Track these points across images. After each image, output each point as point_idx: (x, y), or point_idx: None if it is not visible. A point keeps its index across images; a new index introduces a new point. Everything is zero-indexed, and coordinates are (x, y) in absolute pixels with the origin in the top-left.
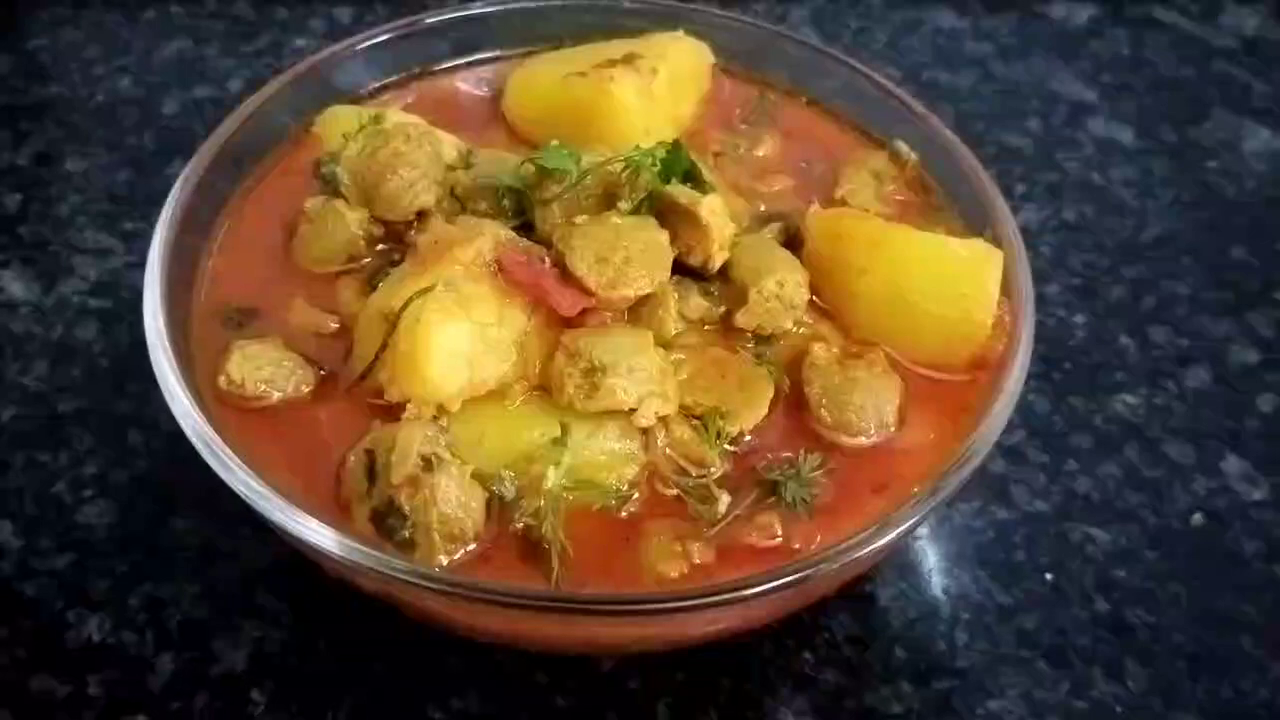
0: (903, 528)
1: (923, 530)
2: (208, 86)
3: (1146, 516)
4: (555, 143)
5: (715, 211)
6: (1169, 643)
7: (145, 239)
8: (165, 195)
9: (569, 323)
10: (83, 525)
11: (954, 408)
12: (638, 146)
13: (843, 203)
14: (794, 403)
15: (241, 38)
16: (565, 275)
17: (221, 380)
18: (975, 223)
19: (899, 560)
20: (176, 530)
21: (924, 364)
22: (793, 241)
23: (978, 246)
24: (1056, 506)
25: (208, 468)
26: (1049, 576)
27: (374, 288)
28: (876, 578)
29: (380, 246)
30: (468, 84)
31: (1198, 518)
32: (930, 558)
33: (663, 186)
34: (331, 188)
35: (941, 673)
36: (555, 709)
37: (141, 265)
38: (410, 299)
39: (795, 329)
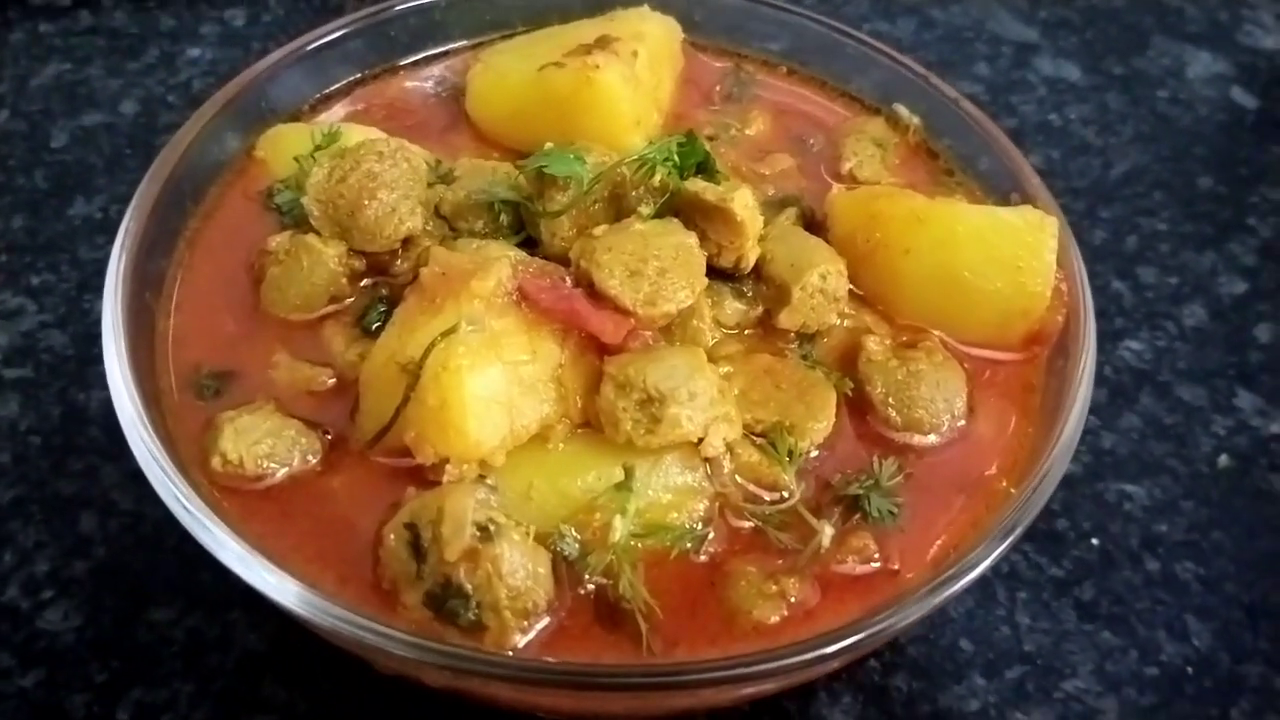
0: (1018, 532)
1: None
2: (98, 112)
3: (1175, 466)
4: (550, 145)
5: (748, 205)
6: (1223, 593)
7: (57, 293)
8: (70, 239)
9: (607, 349)
10: (46, 632)
11: (1018, 389)
12: (651, 143)
13: (850, 177)
14: (853, 405)
15: (126, 54)
16: (594, 295)
17: (215, 461)
18: (994, 185)
19: None
20: (156, 623)
21: (978, 345)
22: (811, 225)
23: (1030, 215)
24: (1088, 467)
25: (179, 548)
26: (1095, 541)
27: (365, 330)
28: None
29: (365, 282)
30: (418, 85)
31: (1224, 460)
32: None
33: (683, 184)
34: (292, 219)
35: (1011, 660)
36: None
37: (58, 324)
38: (432, 344)
39: (840, 322)
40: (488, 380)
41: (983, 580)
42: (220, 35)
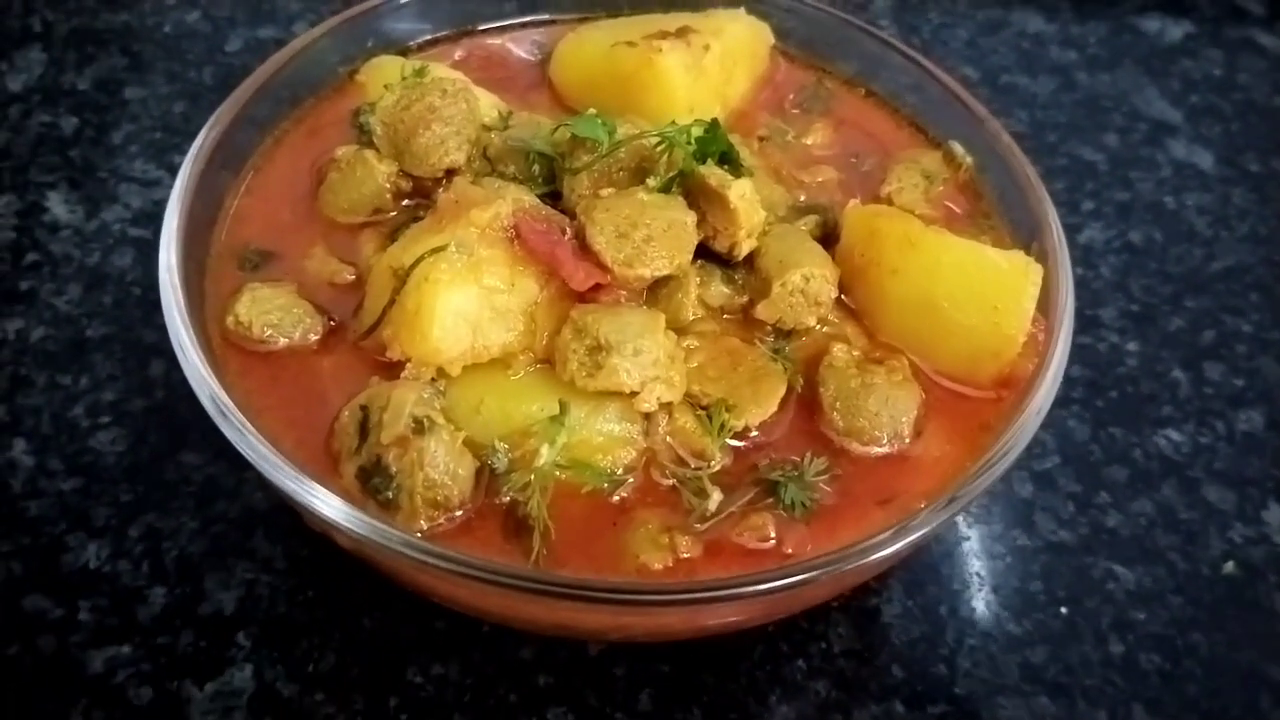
0: (900, 545)
1: (936, 547)
2: (273, 27)
3: (1176, 559)
4: (591, 111)
5: (745, 197)
6: (1183, 694)
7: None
8: None
9: (582, 298)
10: (94, 450)
11: (974, 425)
12: (673, 122)
13: (888, 201)
14: (807, 403)
15: None
16: (584, 248)
17: (229, 320)
18: (1024, 235)
19: (907, 576)
20: (183, 464)
21: (948, 376)
22: (829, 237)
23: (1017, 258)
24: (1082, 539)
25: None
26: (1064, 610)
27: (395, 242)
28: (882, 591)
29: (407, 202)
30: (519, 45)
31: (1230, 566)
32: (941, 577)
33: (695, 166)
34: (367, 138)
35: (937, 697)
36: (536, 687)
37: None
38: (421, 257)
39: (819, 327)
40: (461, 298)
41: (932, 618)
42: None
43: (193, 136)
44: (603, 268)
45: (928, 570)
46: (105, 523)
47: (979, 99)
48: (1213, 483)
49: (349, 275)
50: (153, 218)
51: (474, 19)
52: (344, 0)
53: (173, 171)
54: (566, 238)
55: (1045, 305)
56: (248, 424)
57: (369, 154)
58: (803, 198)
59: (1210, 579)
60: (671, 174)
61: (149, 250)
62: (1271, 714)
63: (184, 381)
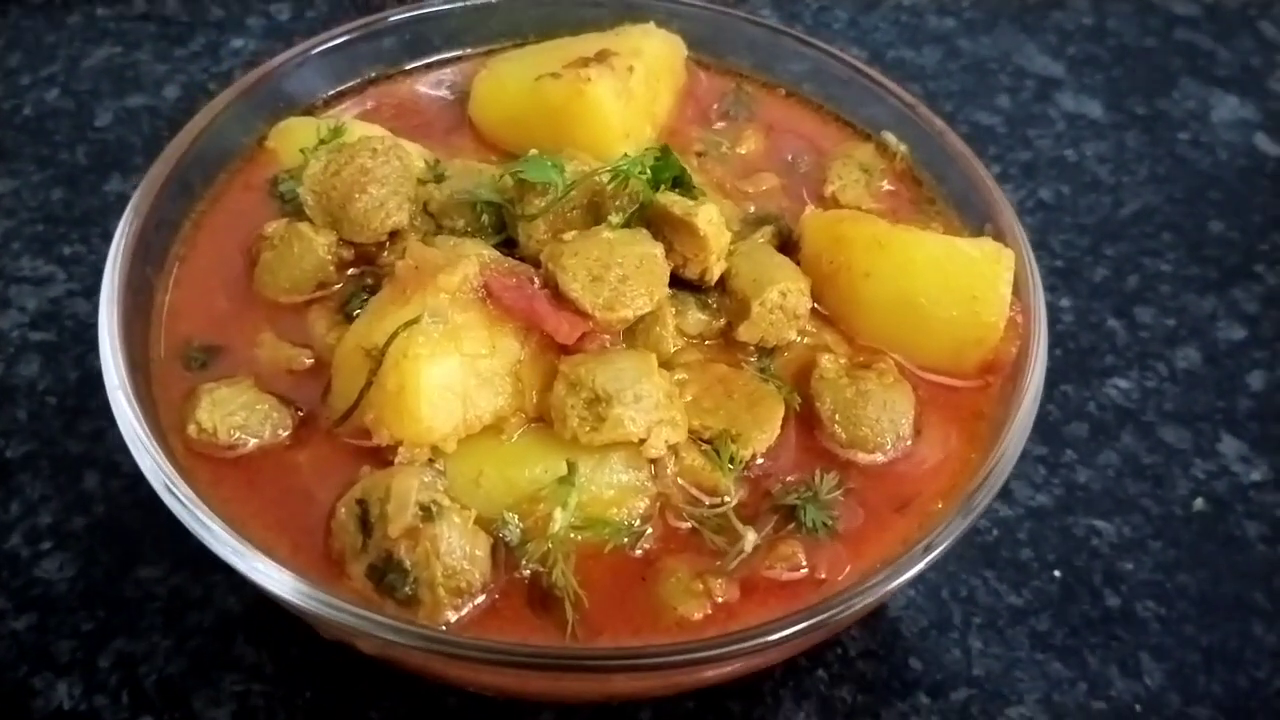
0: (937, 552)
1: None
2: (142, 95)
3: (1149, 505)
4: (534, 152)
5: (712, 221)
6: (1181, 635)
7: (86, 263)
8: (103, 214)
9: (565, 348)
10: (42, 580)
11: (968, 415)
12: (626, 155)
13: (833, 200)
14: (804, 419)
15: (174, 41)
16: (558, 297)
17: (191, 429)
18: (971, 217)
19: None
20: (143, 579)
21: (933, 370)
22: (786, 244)
23: (987, 246)
24: (1059, 500)
25: (172, 512)
26: (1057, 574)
27: (347, 316)
28: None
29: (351, 271)
30: (429, 87)
31: (1199, 503)
32: (936, 562)
33: (654, 196)
34: (293, 208)
35: (958, 682)
36: None
37: (84, 293)
38: (395, 333)
39: (800, 339)
40: (445, 370)
41: (937, 604)
42: (265, 28)
43: (79, 224)
44: (583, 315)
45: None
46: (71, 657)
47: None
48: (1166, 424)
49: (306, 359)
50: (51, 319)
51: (375, 65)
52: (211, 55)
53: (65, 265)
54: (538, 288)
55: (1015, 285)
56: (243, 539)
57: (303, 226)
58: (751, 208)
59: (1184, 519)
60: (633, 208)
61: (55, 354)
62: (1265, 639)
63: (126, 492)
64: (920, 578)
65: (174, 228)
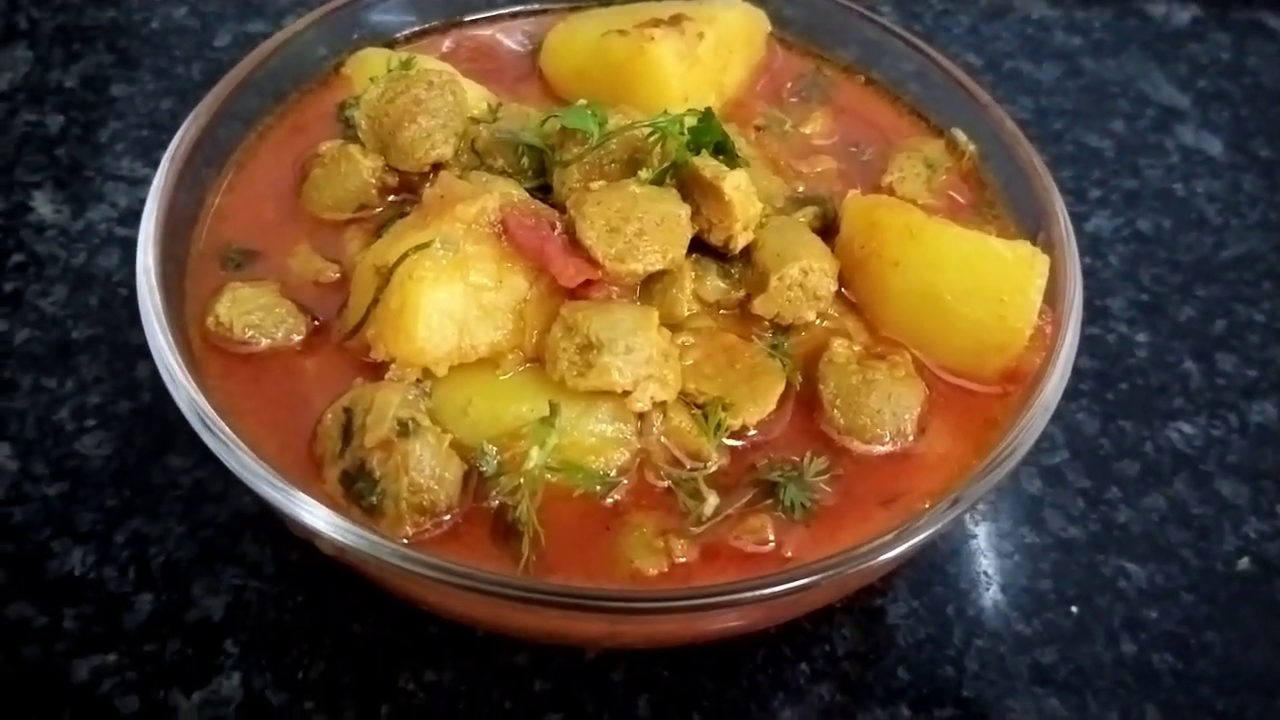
0: (904, 547)
1: (942, 546)
2: (261, 21)
3: (1188, 556)
4: (581, 101)
5: (740, 188)
6: (1196, 695)
7: None
8: None
9: (573, 294)
10: (79, 455)
11: (980, 422)
12: (665, 112)
13: (889, 191)
14: (806, 401)
15: None
16: (573, 243)
17: (209, 321)
18: (1030, 225)
19: (913, 575)
20: (170, 468)
21: (953, 371)
22: (829, 228)
23: (1022, 249)
24: (1092, 536)
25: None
26: (1074, 609)
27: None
28: (887, 591)
29: (393, 197)
30: (508, 36)
31: (1244, 563)
32: (948, 576)
33: (689, 157)
34: (352, 132)
35: (945, 700)
36: (531, 693)
37: None
38: (405, 254)
39: (818, 321)
40: (447, 296)
41: (939, 618)
42: None
43: None
44: (593, 263)
45: (934, 569)
46: (91, 528)
47: (982, 86)
48: (1226, 477)
49: (333, 274)
50: (139, 217)
51: (462, 10)
52: None
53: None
54: (556, 232)
55: (1053, 296)
56: (227, 429)
57: (354, 149)
58: (801, 188)
59: (1224, 576)
60: (664, 165)
61: (134, 250)
62: None
63: None
64: (907, 570)
65: (238, 136)
